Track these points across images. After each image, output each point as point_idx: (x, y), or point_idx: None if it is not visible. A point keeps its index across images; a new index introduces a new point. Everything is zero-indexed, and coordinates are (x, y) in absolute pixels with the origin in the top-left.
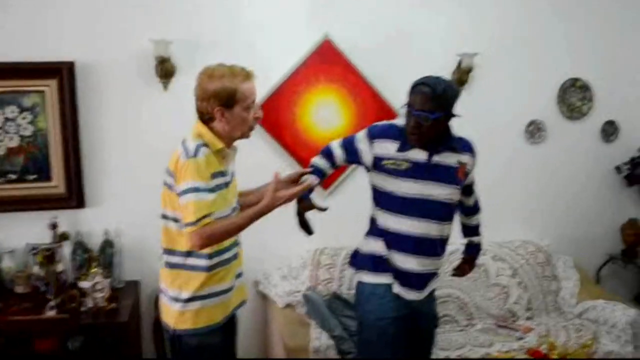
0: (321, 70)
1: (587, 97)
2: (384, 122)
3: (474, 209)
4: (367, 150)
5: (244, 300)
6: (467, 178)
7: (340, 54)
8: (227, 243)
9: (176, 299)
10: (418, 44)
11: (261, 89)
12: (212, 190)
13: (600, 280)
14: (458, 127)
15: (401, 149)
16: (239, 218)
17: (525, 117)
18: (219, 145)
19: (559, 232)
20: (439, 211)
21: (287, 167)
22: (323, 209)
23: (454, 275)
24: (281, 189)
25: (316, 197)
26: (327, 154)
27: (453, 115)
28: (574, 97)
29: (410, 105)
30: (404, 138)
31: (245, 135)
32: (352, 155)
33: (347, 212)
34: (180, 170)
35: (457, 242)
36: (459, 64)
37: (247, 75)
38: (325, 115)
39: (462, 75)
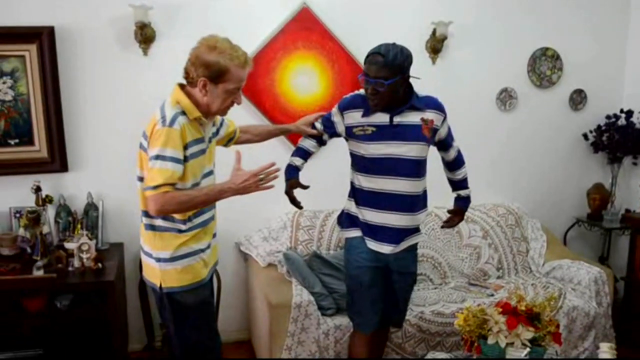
0: (299, 37)
1: (557, 66)
2: (350, 94)
3: (456, 164)
4: (340, 121)
5: (216, 261)
6: (435, 134)
7: (318, 21)
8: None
9: (159, 259)
10: (394, 11)
11: None
12: (182, 160)
13: (567, 242)
14: (431, 92)
15: (365, 114)
16: (202, 194)
17: (497, 85)
18: (196, 113)
19: (528, 196)
20: (407, 168)
21: None
22: (305, 187)
23: (443, 227)
24: (242, 170)
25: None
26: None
27: (409, 77)
28: (544, 66)
29: (366, 74)
30: (367, 105)
31: (220, 113)
32: (330, 128)
33: (326, 177)
34: (154, 135)
35: (430, 206)
36: (434, 32)
37: (245, 62)
38: (304, 81)
39: (436, 43)
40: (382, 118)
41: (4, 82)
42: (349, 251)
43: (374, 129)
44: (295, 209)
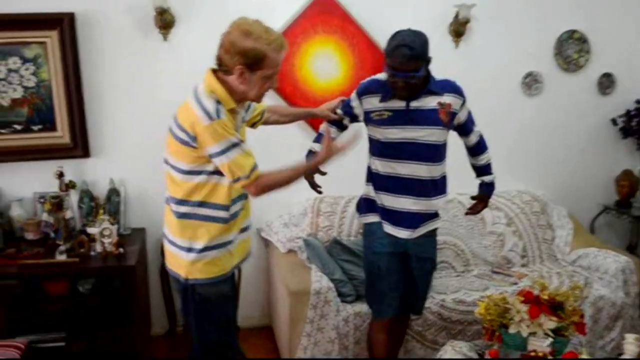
0: (319, 20)
1: (585, 49)
2: (367, 79)
3: (478, 149)
4: (358, 106)
5: (249, 253)
6: (454, 118)
7: (338, 5)
8: (239, 192)
9: (189, 249)
10: None
11: None
12: (241, 141)
13: (595, 230)
14: (454, 76)
15: (382, 99)
16: (293, 171)
17: (522, 68)
18: (232, 104)
19: (554, 182)
20: (423, 153)
21: None
22: (323, 173)
23: (467, 213)
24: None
25: None
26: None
27: (429, 62)
28: (571, 49)
29: (394, 69)
30: (385, 90)
31: (256, 99)
32: (349, 114)
33: (347, 163)
34: (205, 133)
35: (452, 192)
36: (456, 14)
37: (282, 45)
38: (324, 65)
39: (459, 26)
40: (398, 103)
41: (26, 69)
42: (367, 237)
43: (390, 113)
44: (315, 194)
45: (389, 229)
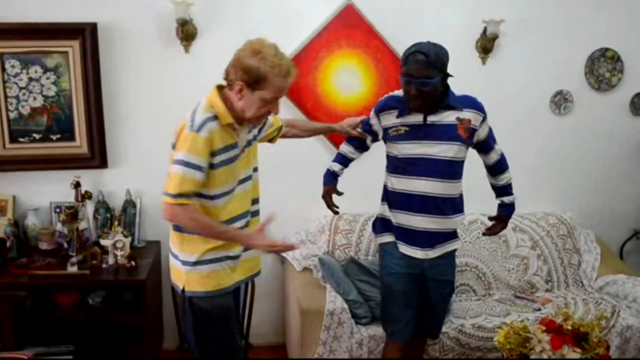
0: (343, 34)
1: (617, 68)
2: (385, 96)
3: (498, 168)
4: (377, 124)
5: (257, 272)
6: (474, 134)
7: (363, 19)
8: (237, 212)
9: (185, 262)
10: (443, 8)
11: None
12: (205, 169)
13: (624, 255)
14: (481, 94)
15: (400, 114)
16: (217, 229)
17: (552, 87)
18: (228, 119)
19: (582, 205)
20: (440, 169)
21: None
22: (340, 194)
23: (484, 234)
24: (263, 233)
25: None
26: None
27: (448, 76)
28: (603, 67)
29: (408, 75)
30: (402, 105)
31: (254, 121)
32: (369, 132)
33: (367, 180)
34: (182, 138)
35: (476, 212)
36: (484, 30)
37: (287, 73)
38: (347, 80)
39: (487, 42)
40: (416, 118)
41: (47, 78)
42: (383, 257)
43: (407, 128)
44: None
45: (404, 249)
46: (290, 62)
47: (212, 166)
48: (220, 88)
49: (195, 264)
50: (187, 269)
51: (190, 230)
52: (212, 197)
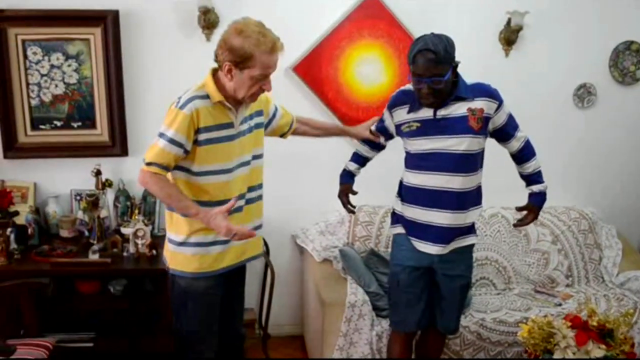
0: (365, 25)
1: None
2: (396, 91)
3: (523, 156)
4: (390, 121)
5: (255, 255)
6: (487, 123)
7: (385, 9)
8: (223, 196)
9: (171, 241)
10: (466, 0)
11: (304, 42)
12: (182, 145)
13: None
14: (503, 86)
15: (410, 110)
16: (182, 201)
17: (575, 80)
18: (218, 97)
19: (604, 200)
20: (454, 163)
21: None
22: (355, 193)
23: (515, 225)
24: (222, 215)
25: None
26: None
27: (456, 66)
28: (628, 60)
29: (418, 74)
30: (412, 100)
31: (247, 100)
32: (384, 131)
33: (387, 172)
34: (167, 112)
35: (497, 206)
36: (508, 22)
37: (273, 48)
38: (369, 71)
39: (511, 34)
40: (426, 112)
41: (69, 65)
42: (393, 248)
43: (418, 124)
44: (355, 203)
45: (418, 244)
46: (275, 37)
47: (196, 142)
48: (215, 70)
49: (180, 244)
50: (172, 247)
51: (159, 197)
52: (197, 174)
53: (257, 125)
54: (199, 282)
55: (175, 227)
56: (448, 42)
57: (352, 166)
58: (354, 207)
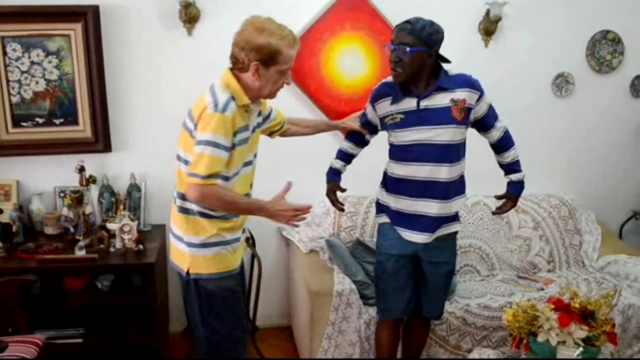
0: (347, 17)
1: (618, 51)
2: (378, 84)
3: (502, 146)
4: (374, 114)
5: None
6: (469, 114)
7: (366, 1)
8: (241, 194)
9: (189, 243)
10: None
11: None
12: (230, 148)
13: (623, 236)
14: (483, 76)
15: (393, 101)
16: (243, 202)
17: (553, 69)
18: (245, 100)
19: (583, 187)
20: (437, 154)
21: (310, 114)
22: (343, 190)
23: (494, 213)
24: (284, 200)
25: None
26: (351, 132)
27: (439, 57)
28: (605, 50)
29: (391, 42)
30: (395, 91)
31: (270, 96)
32: (368, 125)
33: (371, 162)
34: (204, 119)
35: (479, 194)
36: (487, 12)
37: (294, 41)
38: (351, 63)
39: (490, 24)
40: (409, 104)
41: (49, 62)
42: (378, 237)
43: (402, 116)
44: (339, 194)
45: (405, 233)
46: (292, 30)
47: (232, 146)
48: (230, 69)
49: (202, 245)
50: (192, 251)
51: (218, 210)
52: (227, 178)
53: (258, 125)
54: (227, 282)
55: (193, 229)
56: (432, 25)
57: (338, 164)
58: (343, 204)
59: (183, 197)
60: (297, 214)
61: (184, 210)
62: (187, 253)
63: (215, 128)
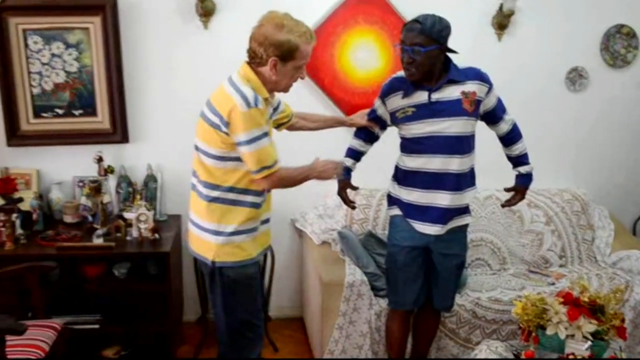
0: (360, 11)
1: (633, 45)
2: (388, 79)
3: (511, 138)
4: (384, 110)
5: (269, 246)
6: (479, 106)
7: None
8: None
9: (217, 232)
10: None
11: None
12: (268, 132)
13: (637, 232)
14: (496, 70)
15: (405, 95)
16: (299, 172)
17: (567, 64)
18: (265, 94)
19: (596, 182)
20: (449, 145)
21: (323, 107)
22: (355, 188)
23: (503, 206)
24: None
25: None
26: (360, 128)
27: (448, 50)
28: (619, 44)
29: (402, 42)
30: (406, 85)
31: (285, 90)
32: (378, 120)
33: (383, 155)
34: (240, 119)
35: (491, 188)
36: (500, 6)
37: (312, 37)
38: (364, 57)
39: (503, 19)
40: (420, 97)
41: (69, 54)
42: (390, 229)
43: (413, 109)
44: (350, 190)
45: (417, 225)
46: (308, 26)
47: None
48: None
49: (231, 234)
50: (219, 240)
51: (286, 187)
52: None
53: (270, 117)
54: (248, 270)
55: (222, 217)
56: (441, 21)
57: (348, 162)
58: (354, 202)
59: (211, 186)
60: (337, 165)
61: (213, 200)
62: (212, 242)
63: (256, 123)
